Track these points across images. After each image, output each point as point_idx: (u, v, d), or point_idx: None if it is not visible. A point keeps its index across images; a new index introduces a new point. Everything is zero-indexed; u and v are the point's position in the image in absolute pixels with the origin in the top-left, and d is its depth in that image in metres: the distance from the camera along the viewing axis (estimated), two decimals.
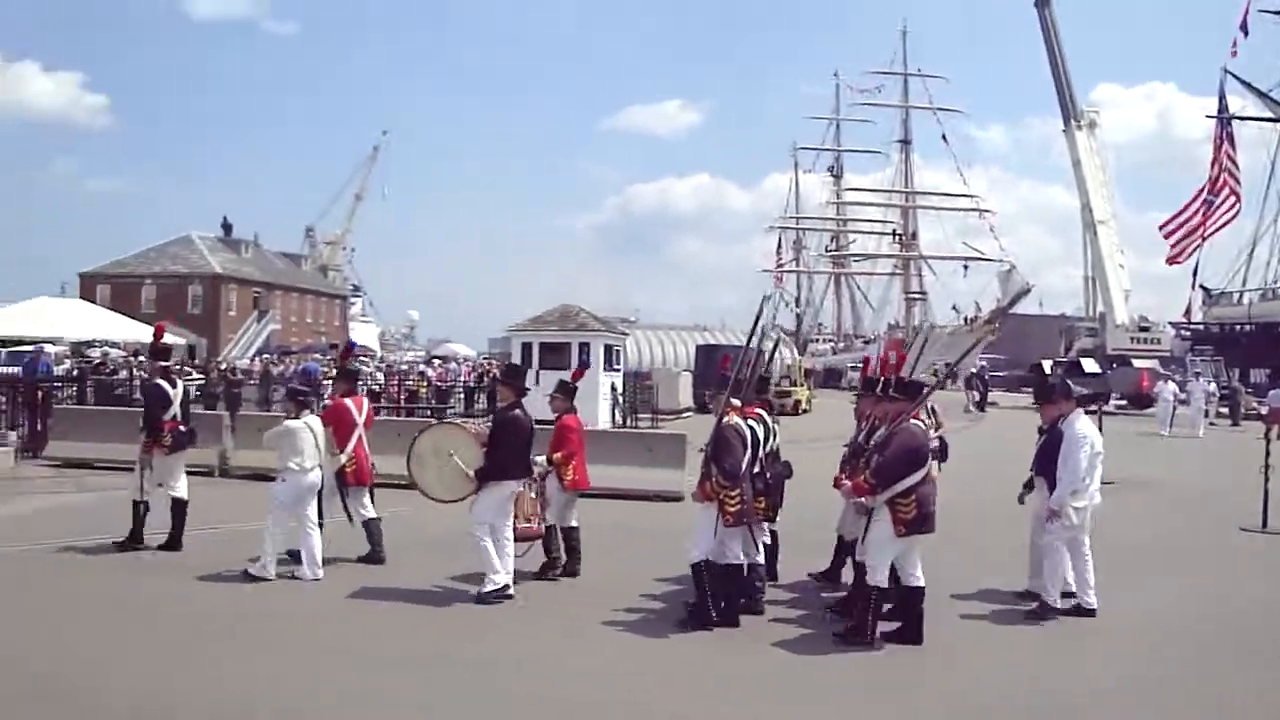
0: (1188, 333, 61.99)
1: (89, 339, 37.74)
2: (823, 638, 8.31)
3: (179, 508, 11.30)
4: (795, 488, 10.09)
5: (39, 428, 20.48)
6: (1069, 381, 10.20)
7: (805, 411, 41.79)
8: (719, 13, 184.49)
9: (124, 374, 28.34)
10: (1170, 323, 62.78)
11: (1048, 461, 9.19)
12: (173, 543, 11.18)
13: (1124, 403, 47.07)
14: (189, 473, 11.81)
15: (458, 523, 9.74)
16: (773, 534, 9.92)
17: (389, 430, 14.19)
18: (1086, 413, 9.88)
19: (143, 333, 36.74)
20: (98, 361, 32.09)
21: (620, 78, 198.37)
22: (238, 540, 10.72)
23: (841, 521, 9.70)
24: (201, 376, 33.74)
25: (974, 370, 54.95)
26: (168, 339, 13.35)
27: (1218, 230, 57.72)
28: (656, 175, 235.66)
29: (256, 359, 50.69)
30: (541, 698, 6.92)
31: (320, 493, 10.37)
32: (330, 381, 14.51)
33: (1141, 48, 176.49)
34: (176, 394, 11.53)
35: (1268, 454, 13.61)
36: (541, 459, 10.08)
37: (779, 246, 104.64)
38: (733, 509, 8.42)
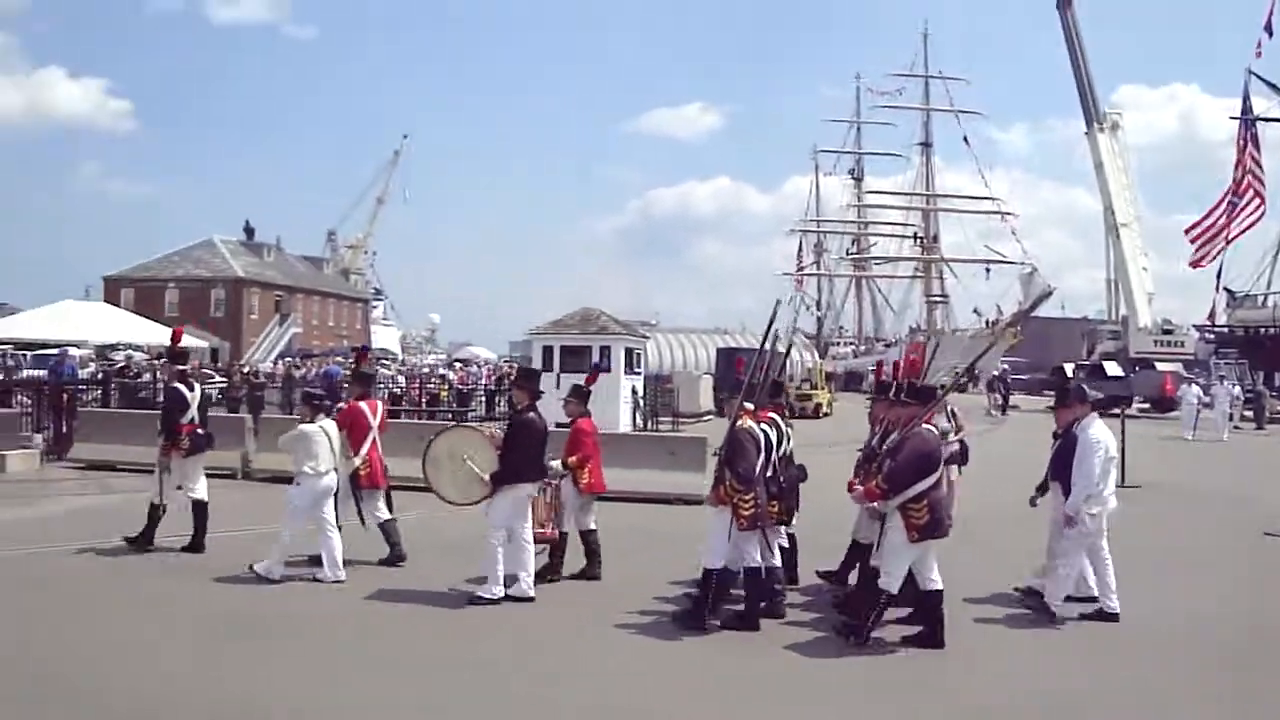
0: (1212, 336, 61.46)
1: (113, 342, 37.99)
2: (834, 641, 8.34)
3: (200, 509, 11.41)
4: (814, 491, 10.09)
5: (64, 430, 20.66)
6: (1084, 385, 10.14)
7: (826, 415, 41.72)
8: (738, 16, 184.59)
9: (147, 377, 28.51)
10: (1194, 325, 62.29)
11: (1063, 466, 9.17)
12: (196, 545, 11.28)
13: (1147, 406, 46.82)
14: (212, 476, 11.89)
15: (474, 526, 9.79)
16: (791, 537, 9.93)
17: (410, 433, 14.24)
18: (1110, 415, 9.83)
19: (166, 336, 36.94)
20: (121, 365, 32.27)
21: (641, 81, 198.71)
22: (259, 543, 10.77)
23: (856, 526, 9.70)
24: (224, 380, 33.94)
25: (996, 373, 54.77)
26: (187, 342, 13.43)
27: (1242, 233, 57.24)
28: (678, 178, 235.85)
29: (279, 362, 50.96)
30: (548, 700, 6.96)
31: (336, 496, 10.44)
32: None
33: (1164, 49, 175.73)
34: (194, 397, 11.62)
35: None
36: (557, 463, 10.11)
37: (800, 249, 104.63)
38: (747, 513, 8.45)
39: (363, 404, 11.23)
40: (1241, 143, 57.01)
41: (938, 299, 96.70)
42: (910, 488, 8.02)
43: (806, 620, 9.00)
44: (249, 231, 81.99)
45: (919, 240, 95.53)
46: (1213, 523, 15.32)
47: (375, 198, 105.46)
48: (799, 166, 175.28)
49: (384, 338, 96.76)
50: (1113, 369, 50.71)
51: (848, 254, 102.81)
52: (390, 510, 11.17)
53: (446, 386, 37.15)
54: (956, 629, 8.36)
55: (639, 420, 29.25)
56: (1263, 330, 59.65)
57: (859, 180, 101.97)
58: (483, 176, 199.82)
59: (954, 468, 13.92)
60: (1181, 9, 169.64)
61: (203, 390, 12.16)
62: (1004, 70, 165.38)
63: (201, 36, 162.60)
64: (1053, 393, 10.72)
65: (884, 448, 8.85)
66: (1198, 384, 38.57)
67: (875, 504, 8.26)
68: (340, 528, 10.46)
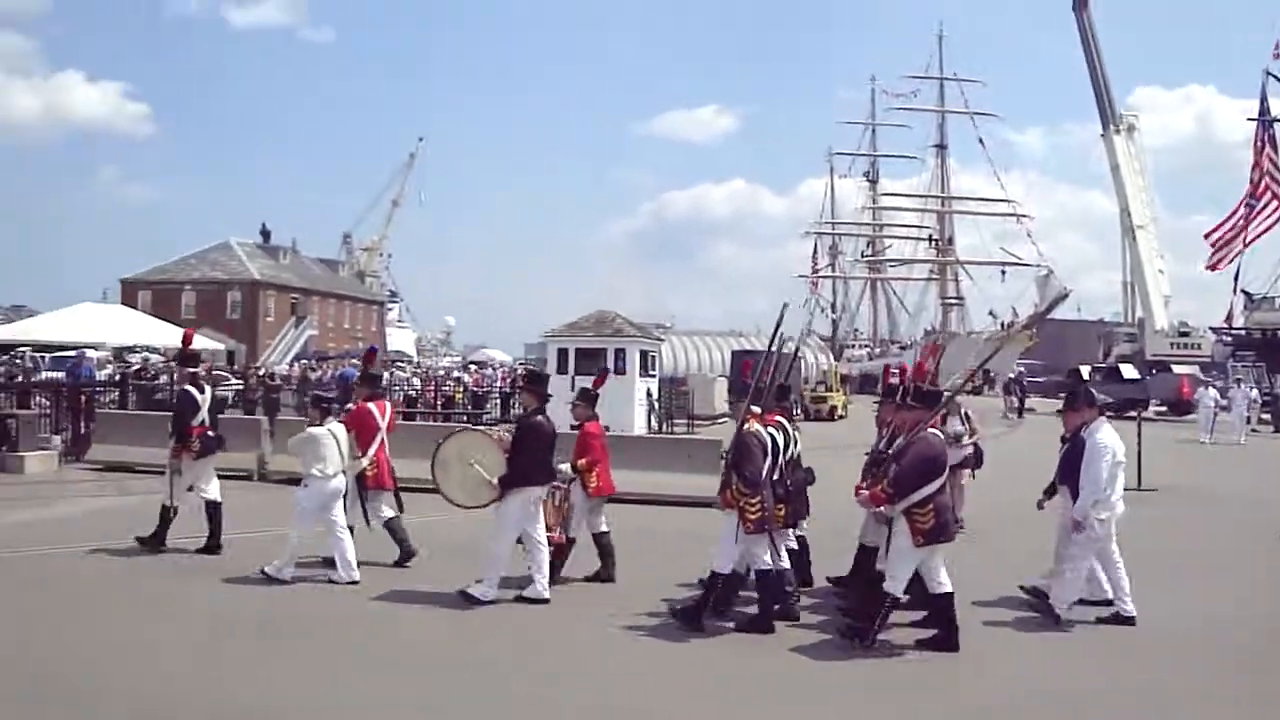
0: (1229, 338, 61.15)
1: (130, 344, 38.17)
2: (836, 642, 8.35)
3: (213, 510, 11.50)
4: (825, 494, 10.09)
5: (82, 432, 20.78)
6: (1091, 389, 10.11)
7: (841, 417, 41.73)
8: (753, 19, 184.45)
9: (164, 379, 28.64)
10: (1211, 328, 61.98)
11: (1070, 470, 9.14)
12: (212, 546, 11.35)
13: (1164, 409, 46.63)
14: (227, 477, 11.95)
15: (484, 529, 9.81)
16: (801, 539, 9.95)
17: (425, 435, 14.28)
18: (1126, 418, 9.82)
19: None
20: (138, 367, 32.42)
21: (655, 84, 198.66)
22: (273, 545, 10.80)
23: (863, 529, 9.69)
24: (240, 382, 34.07)
25: (1012, 376, 54.59)
26: (201, 344, 13.52)
27: (1260, 235, 56.93)
28: (692, 181, 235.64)
29: (294, 364, 51.11)
30: (548, 700, 6.99)
31: (345, 498, 10.48)
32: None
33: (1181, 50, 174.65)
34: (205, 399, 11.71)
35: None
36: (565, 466, 10.14)
37: (815, 252, 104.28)
38: (753, 516, 8.48)
39: (371, 405, 11.26)
40: (1259, 144, 56.67)
41: (953, 301, 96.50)
42: (915, 492, 8.02)
43: (810, 622, 9.01)
44: (265, 234, 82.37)
45: (934, 242, 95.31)
46: (1229, 526, 15.25)
47: (390, 200, 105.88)
48: (814, 169, 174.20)
49: (399, 340, 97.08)
50: (1129, 372, 50.51)
51: (863, 256, 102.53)
52: (400, 510, 11.21)
53: (461, 389, 37.26)
54: (964, 631, 8.34)
55: (654, 423, 29.27)
56: None
57: (874, 182, 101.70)
58: (497, 179, 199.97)
59: (967, 472, 14.04)
60: (1198, 10, 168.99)
61: (214, 392, 12.22)
62: (1020, 72, 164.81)
63: (219, 40, 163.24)
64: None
65: (890, 451, 8.86)
66: (1215, 387, 38.39)
67: (881, 508, 8.27)
68: (353, 529, 10.54)
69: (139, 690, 7.00)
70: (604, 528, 10.54)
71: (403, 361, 68.33)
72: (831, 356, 67.70)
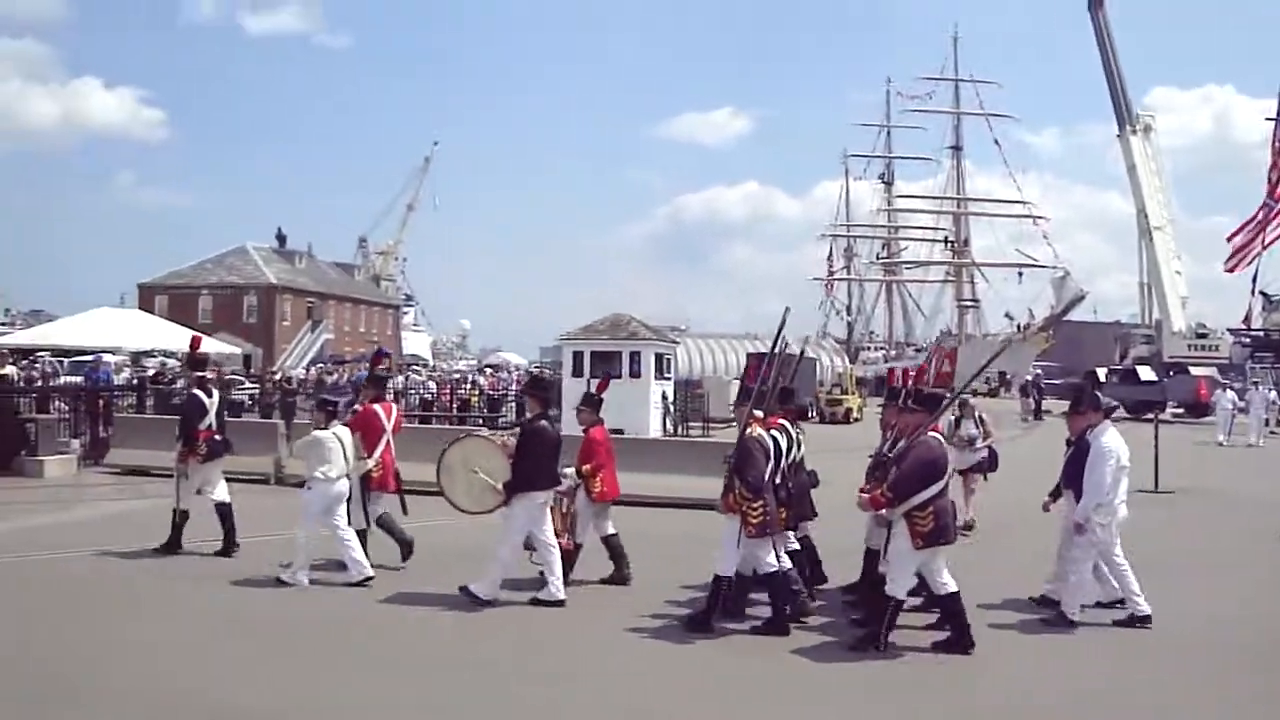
0: (1247, 340, 60.79)
1: (147, 349, 38.35)
2: (836, 643, 8.39)
3: (223, 511, 11.61)
4: (838, 496, 10.08)
5: (100, 435, 20.89)
6: (1097, 393, 10.10)
7: (856, 420, 41.68)
8: (767, 21, 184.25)
9: (181, 383, 28.75)
10: (1229, 329, 61.62)
11: (1075, 473, 9.18)
12: (228, 548, 11.41)
13: (1181, 411, 46.42)
14: (245, 481, 12.00)
15: (492, 534, 9.86)
16: (804, 540, 9.97)
17: (434, 439, 14.29)
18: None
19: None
20: (155, 371, 32.57)
21: (669, 86, 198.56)
22: (286, 548, 10.83)
23: (869, 533, 9.72)
24: (256, 386, 34.21)
25: (1029, 378, 54.39)
26: (218, 348, 13.61)
27: (1279, 237, 56.53)
28: (705, 184, 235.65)
29: (311, 368, 51.28)
30: (548, 700, 7.04)
31: (349, 501, 10.54)
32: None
33: (1198, 50, 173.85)
34: (213, 404, 11.81)
35: None
36: (570, 471, 10.18)
37: (830, 254, 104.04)
38: (755, 520, 8.53)
39: (376, 407, 11.31)
40: (1277, 145, 56.29)
41: (969, 303, 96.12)
42: (915, 495, 8.04)
43: (811, 623, 9.03)
44: (281, 239, 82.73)
45: (950, 244, 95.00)
46: (1244, 528, 15.17)
47: (406, 204, 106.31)
48: (829, 171, 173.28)
49: (415, 344, 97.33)
50: (1146, 373, 50.28)
51: (878, 258, 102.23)
52: (404, 513, 11.25)
53: (477, 392, 37.34)
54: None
55: (669, 426, 29.26)
56: None
57: (889, 184, 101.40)
58: (512, 182, 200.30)
59: (980, 476, 14.03)
60: (1215, 10, 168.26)
61: (222, 397, 12.29)
62: (1035, 73, 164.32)
63: (235, 46, 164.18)
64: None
65: (891, 454, 8.89)
66: (1233, 388, 38.19)
67: (881, 511, 8.30)
68: (364, 534, 10.64)
69: (139, 690, 7.07)
70: (611, 530, 10.58)
71: (418, 365, 68.57)
72: (847, 359, 67.63)
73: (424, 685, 7.31)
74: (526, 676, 7.52)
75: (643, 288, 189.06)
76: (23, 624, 8.76)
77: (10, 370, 28.24)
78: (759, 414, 9.02)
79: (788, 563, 9.10)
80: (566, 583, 9.87)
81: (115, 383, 27.46)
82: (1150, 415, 25.98)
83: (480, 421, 29.64)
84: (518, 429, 10.33)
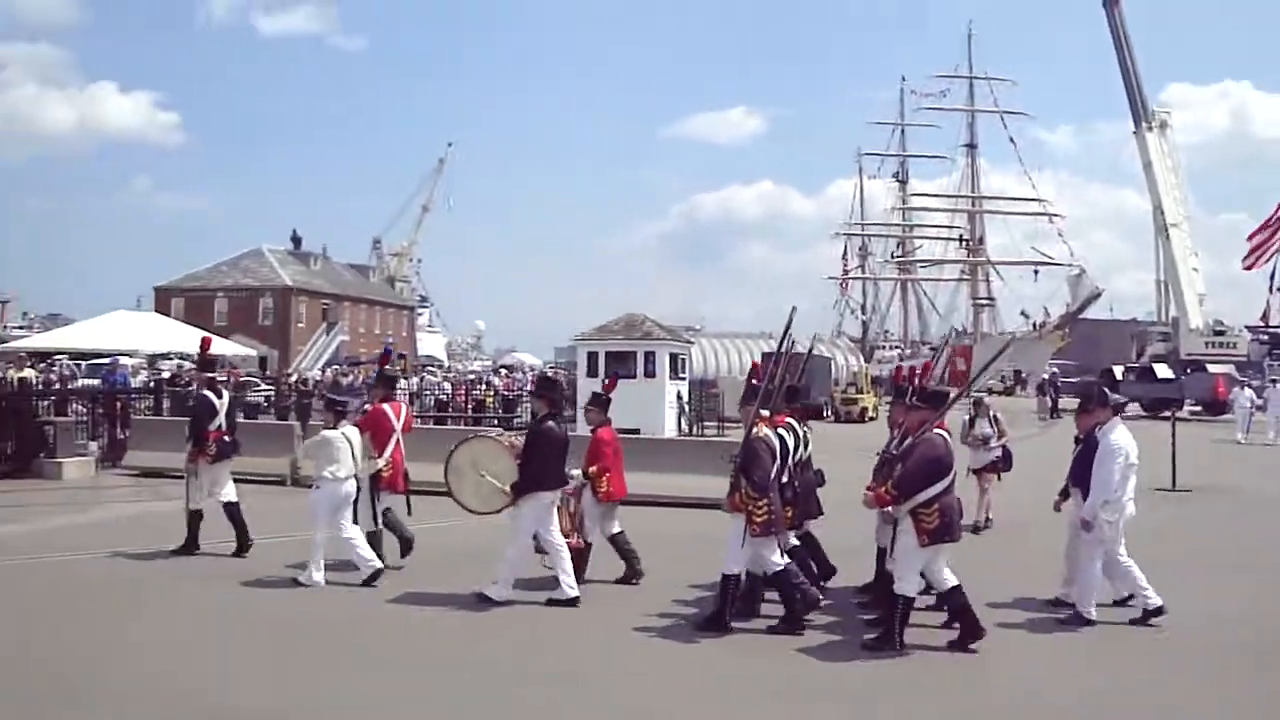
0: (1265, 337, 60.37)
1: (164, 351, 38.51)
2: (847, 644, 8.37)
3: (232, 511, 11.68)
4: (849, 495, 10.08)
5: (118, 438, 20.98)
6: (1105, 390, 10.07)
7: (872, 419, 41.57)
8: (781, 19, 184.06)
9: (196, 385, 28.85)
10: (1247, 327, 61.24)
11: (1083, 471, 9.15)
12: (243, 547, 11.45)
13: (1199, 409, 46.19)
14: (261, 482, 12.03)
15: (500, 533, 9.89)
16: (806, 535, 9.97)
17: (445, 439, 14.31)
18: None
19: (215, 346, 37.42)
20: (171, 374, 32.69)
21: (684, 86, 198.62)
22: (299, 549, 10.87)
23: (879, 532, 9.71)
24: (272, 388, 34.30)
25: (1046, 377, 54.19)
26: (233, 350, 13.67)
27: None
28: (720, 183, 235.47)
29: (326, 370, 51.39)
30: (548, 699, 7.05)
31: (356, 501, 10.57)
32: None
33: (1215, 46, 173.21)
34: (223, 404, 11.89)
35: None
36: (577, 472, 10.21)
37: (845, 253, 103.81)
38: (760, 519, 8.55)
39: (385, 406, 11.33)
40: None
41: (984, 302, 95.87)
42: (920, 493, 8.06)
43: (821, 623, 9.02)
44: (296, 241, 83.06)
45: (964, 243, 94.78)
46: (1262, 526, 15.13)
47: (420, 205, 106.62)
48: (843, 170, 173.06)
49: (430, 345, 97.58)
50: (1163, 371, 50.07)
51: (893, 257, 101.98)
52: (409, 514, 11.27)
53: (492, 393, 37.33)
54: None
55: (684, 425, 29.24)
56: None
57: (904, 183, 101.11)
58: (526, 182, 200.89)
59: (992, 475, 14.00)
60: (1232, 6, 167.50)
61: (232, 398, 12.33)
62: (1050, 70, 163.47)
63: (249, 48, 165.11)
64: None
65: (897, 452, 8.88)
66: (1250, 386, 37.98)
67: (887, 509, 8.30)
68: (378, 534, 10.69)
69: (138, 691, 7.10)
70: (617, 529, 10.60)
71: (433, 366, 68.66)
72: (862, 358, 67.44)
73: (425, 685, 7.33)
74: (527, 676, 7.53)
75: (657, 287, 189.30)
76: (25, 624, 8.83)
77: (29, 373, 28.45)
78: (765, 413, 9.03)
79: (785, 559, 9.12)
80: (581, 582, 9.90)
81: (132, 385, 27.55)
82: (1167, 413, 25.85)
83: (495, 422, 29.65)
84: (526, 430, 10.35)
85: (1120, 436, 9.05)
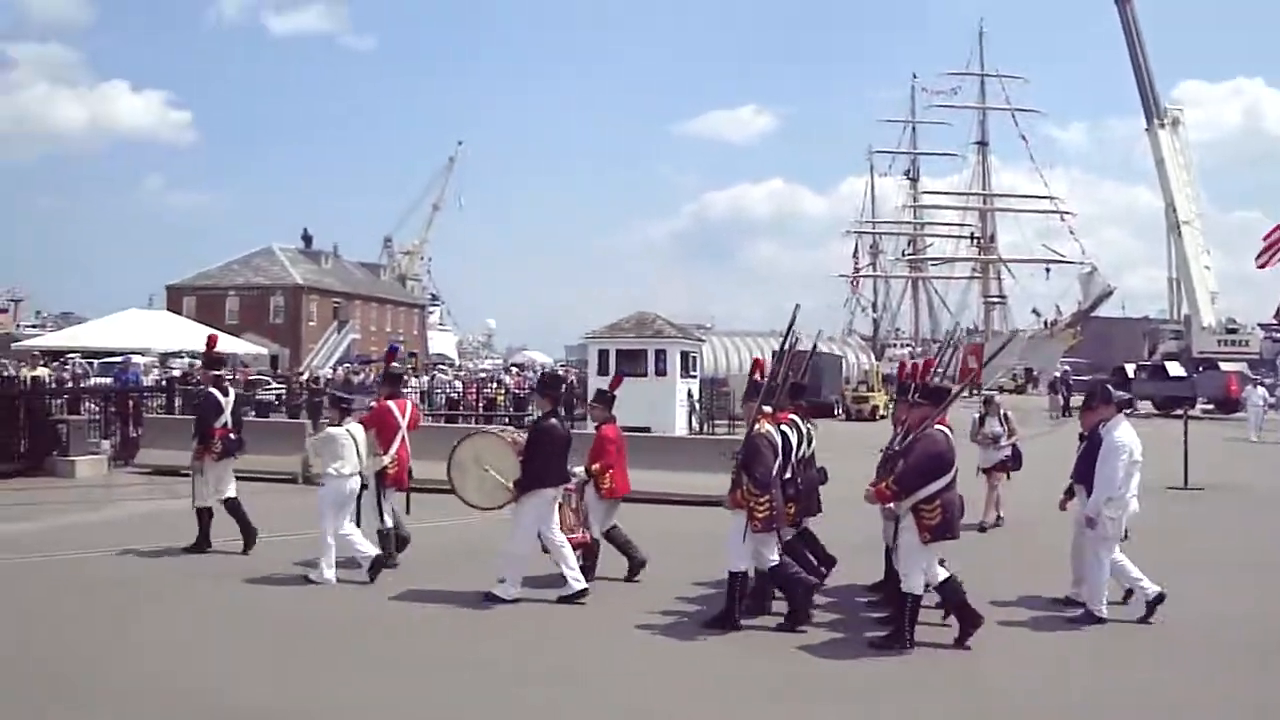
0: (1278, 335, 60.26)
1: (175, 350, 38.65)
2: (849, 643, 8.38)
3: (234, 508, 11.76)
4: (851, 492, 10.10)
5: (130, 436, 21.05)
6: (1109, 387, 10.06)
7: (883, 417, 41.43)
8: (792, 18, 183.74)
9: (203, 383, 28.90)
10: (1259, 324, 61.04)
11: (1088, 469, 9.15)
12: (249, 542, 11.53)
13: (1211, 407, 46.05)
14: (272, 480, 12.07)
15: (502, 530, 9.93)
16: (804, 531, 9.95)
17: (449, 436, 14.33)
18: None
19: (227, 344, 37.54)
20: (183, 372, 32.78)
21: (694, 84, 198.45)
22: (306, 547, 10.88)
23: (885, 530, 9.65)
24: (283, 386, 34.38)
25: (1057, 375, 54.06)
26: (245, 348, 13.73)
27: None
28: (730, 181, 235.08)
29: (337, 368, 51.50)
30: (548, 699, 7.05)
31: (360, 498, 10.59)
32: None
33: (1227, 43, 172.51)
34: (228, 402, 11.96)
35: None
36: (580, 469, 10.23)
37: (855, 251, 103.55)
38: (761, 515, 8.55)
39: (391, 403, 11.35)
40: None
41: (995, 300, 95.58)
42: (921, 489, 8.08)
43: (824, 621, 9.03)
44: (307, 239, 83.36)
45: (976, 240, 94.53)
46: (1272, 525, 15.06)
47: (431, 204, 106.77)
48: (854, 167, 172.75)
49: (441, 343, 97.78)
50: (1175, 369, 49.91)
51: (904, 255, 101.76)
52: (407, 512, 11.32)
53: (503, 391, 37.38)
54: (974, 632, 8.34)
55: (695, 423, 29.25)
56: None
57: (915, 181, 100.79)
58: (536, 181, 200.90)
59: (1001, 474, 13.99)
60: (1244, 2, 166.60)
61: (238, 395, 12.38)
62: (1062, 67, 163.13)
63: (260, 48, 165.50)
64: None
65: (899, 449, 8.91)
66: (1263, 384, 37.83)
67: (889, 505, 8.32)
68: (388, 532, 10.72)
69: (138, 690, 7.13)
70: (613, 522, 10.60)
71: (444, 364, 68.77)
72: (873, 356, 67.30)
73: (425, 685, 7.33)
74: (527, 676, 7.54)
75: (668, 285, 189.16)
76: (26, 623, 8.87)
77: (42, 372, 28.54)
78: (768, 410, 9.04)
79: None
80: (592, 578, 9.91)
81: (144, 384, 27.63)
82: (1180, 411, 25.79)
83: (506, 420, 29.68)
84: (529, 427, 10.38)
85: (1124, 433, 9.05)
